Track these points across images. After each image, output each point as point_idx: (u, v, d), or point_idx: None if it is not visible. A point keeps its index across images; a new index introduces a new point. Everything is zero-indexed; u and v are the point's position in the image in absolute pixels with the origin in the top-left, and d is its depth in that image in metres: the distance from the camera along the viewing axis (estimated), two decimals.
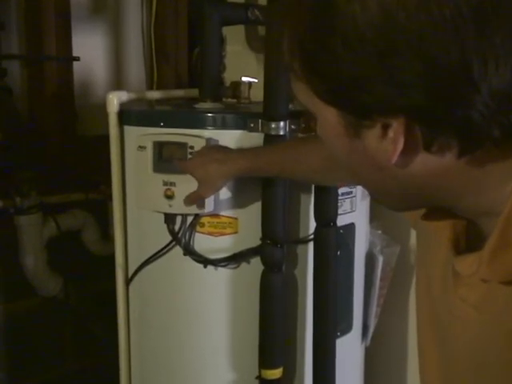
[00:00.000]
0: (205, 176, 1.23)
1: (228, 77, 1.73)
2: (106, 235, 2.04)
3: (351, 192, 1.47)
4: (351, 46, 0.49)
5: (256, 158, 1.22)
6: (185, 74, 2.14)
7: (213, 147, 1.30)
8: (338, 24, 0.50)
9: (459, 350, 0.63)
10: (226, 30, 1.73)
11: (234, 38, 1.82)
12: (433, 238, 0.68)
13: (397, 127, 0.51)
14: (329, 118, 0.56)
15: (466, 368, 0.62)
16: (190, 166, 1.26)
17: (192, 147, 1.30)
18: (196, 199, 1.29)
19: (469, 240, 0.63)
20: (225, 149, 1.28)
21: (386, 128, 0.52)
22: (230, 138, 1.33)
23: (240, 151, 1.28)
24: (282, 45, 0.56)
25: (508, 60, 0.48)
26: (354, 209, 1.49)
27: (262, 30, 1.75)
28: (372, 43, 0.49)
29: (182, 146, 1.31)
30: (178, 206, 1.33)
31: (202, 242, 1.39)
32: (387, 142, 0.53)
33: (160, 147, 1.33)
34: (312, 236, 1.39)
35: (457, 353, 0.64)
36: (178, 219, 1.38)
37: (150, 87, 2.14)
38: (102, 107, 1.45)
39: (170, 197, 1.33)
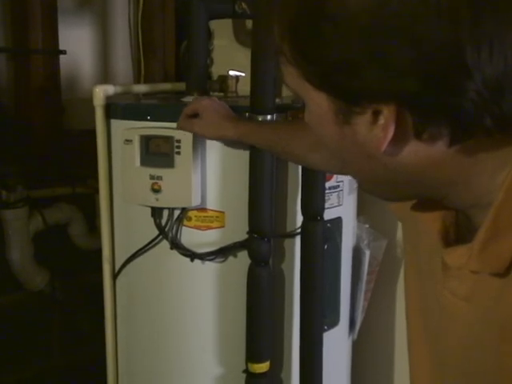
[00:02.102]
0: (211, 120, 1.22)
1: (215, 71, 1.73)
2: (93, 229, 2.04)
3: (338, 186, 1.47)
4: (342, 30, 0.48)
5: (256, 127, 1.22)
6: (172, 68, 2.14)
7: (222, 102, 1.28)
8: (329, 7, 0.49)
9: (449, 341, 0.63)
10: (214, 24, 1.72)
11: (222, 31, 1.81)
12: (421, 228, 0.67)
13: (387, 114, 0.50)
14: (318, 103, 0.55)
15: (458, 359, 0.62)
16: (200, 106, 1.24)
17: (179, 141, 1.30)
18: (188, 129, 1.27)
19: (458, 232, 0.62)
20: (230, 109, 1.27)
21: (376, 114, 0.51)
22: None
23: (241, 118, 1.27)
24: (270, 32, 0.54)
25: (502, 49, 0.47)
26: (341, 203, 1.49)
27: (249, 23, 1.74)
28: (363, 28, 0.48)
29: (169, 139, 1.30)
30: (164, 200, 1.33)
31: (189, 236, 1.39)
32: (377, 128, 0.52)
33: (147, 141, 1.33)
34: (299, 230, 1.39)
35: (447, 343, 0.63)
36: (165, 213, 1.38)
37: (137, 81, 2.13)
38: (89, 101, 1.44)
39: (156, 190, 1.32)
